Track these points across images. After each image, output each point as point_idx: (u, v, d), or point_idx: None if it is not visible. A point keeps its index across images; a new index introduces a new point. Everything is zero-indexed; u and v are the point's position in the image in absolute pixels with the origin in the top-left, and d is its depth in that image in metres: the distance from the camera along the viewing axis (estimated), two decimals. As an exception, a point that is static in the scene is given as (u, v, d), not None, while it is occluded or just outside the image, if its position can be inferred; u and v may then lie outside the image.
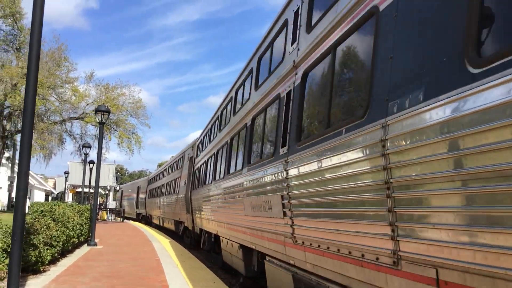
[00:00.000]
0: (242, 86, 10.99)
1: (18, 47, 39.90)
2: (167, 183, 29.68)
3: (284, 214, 6.63)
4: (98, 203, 67.79)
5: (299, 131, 6.31)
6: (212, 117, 16.81)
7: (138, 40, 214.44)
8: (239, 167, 10.14)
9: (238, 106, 11.34)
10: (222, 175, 12.44)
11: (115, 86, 40.89)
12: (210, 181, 14.56)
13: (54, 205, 15.51)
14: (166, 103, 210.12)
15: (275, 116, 7.54)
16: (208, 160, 15.99)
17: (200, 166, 18.04)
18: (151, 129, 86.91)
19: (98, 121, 18.66)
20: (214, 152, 14.54)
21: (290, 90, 6.83)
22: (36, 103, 26.75)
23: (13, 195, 49.35)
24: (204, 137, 18.79)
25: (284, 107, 6.99)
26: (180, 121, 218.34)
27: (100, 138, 18.21)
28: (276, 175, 7.03)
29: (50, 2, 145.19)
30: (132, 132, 41.49)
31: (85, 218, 17.73)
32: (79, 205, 19.24)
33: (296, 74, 6.63)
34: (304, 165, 5.81)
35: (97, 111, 18.55)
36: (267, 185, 7.46)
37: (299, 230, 6.14)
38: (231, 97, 12.61)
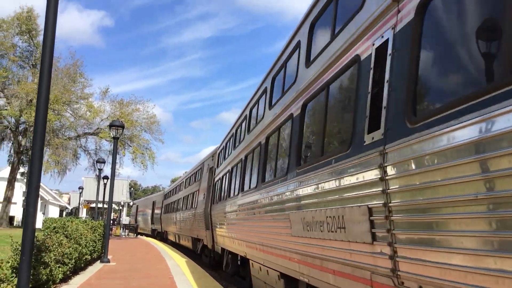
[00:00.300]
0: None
1: (34, 63, 40.31)
2: (184, 197, 27.80)
3: (375, 237, 4.31)
4: (111, 218, 67.49)
5: None
6: (240, 116, 13.75)
7: (153, 57, 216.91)
8: (281, 172, 7.71)
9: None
10: (254, 185, 10.01)
11: (130, 102, 41.06)
12: (236, 193, 12.35)
13: (67, 221, 15.30)
14: (180, 119, 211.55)
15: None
16: (233, 168, 13.56)
17: (223, 176, 15.76)
18: (165, 145, 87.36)
19: (112, 136, 18.50)
20: (242, 158, 12.07)
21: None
22: (51, 118, 26.83)
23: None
24: (227, 143, 16.23)
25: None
26: (193, 137, 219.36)
27: (114, 153, 18.04)
28: (361, 175, 4.56)
29: (66, 20, 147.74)
30: (146, 147, 41.53)
31: (98, 234, 17.49)
32: (92, 221, 19.03)
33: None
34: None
35: (111, 126, 18.40)
36: (339, 193, 5.07)
37: (409, 265, 3.78)
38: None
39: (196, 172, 24.67)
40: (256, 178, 9.67)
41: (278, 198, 7.53)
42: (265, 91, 9.83)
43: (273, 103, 8.80)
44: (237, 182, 12.28)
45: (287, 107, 7.47)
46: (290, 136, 7.21)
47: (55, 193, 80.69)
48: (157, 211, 43.44)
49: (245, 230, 10.73)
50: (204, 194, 20.13)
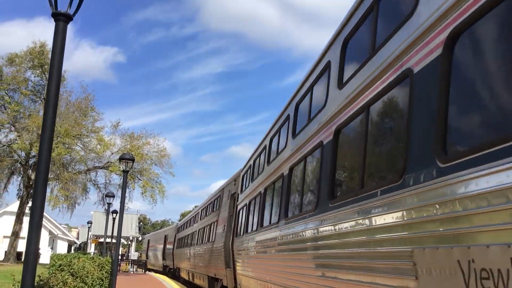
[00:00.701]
0: None
1: (45, 97, 40.25)
2: (199, 230, 24.86)
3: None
4: (120, 253, 66.11)
5: None
6: (276, 123, 10.78)
7: (164, 92, 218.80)
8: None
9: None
10: (306, 209, 7.11)
11: (140, 135, 40.78)
12: (273, 222, 9.28)
13: (74, 257, 14.57)
14: (190, 153, 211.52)
15: None
16: (266, 190, 10.56)
17: (250, 202, 12.65)
18: (174, 179, 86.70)
19: (122, 169, 17.93)
20: (283, 173, 8.90)
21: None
22: (61, 152, 26.22)
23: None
24: (256, 161, 12.94)
25: None
26: (202, 171, 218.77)
27: (124, 186, 17.44)
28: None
29: (79, 56, 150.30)
30: (156, 181, 40.95)
31: (106, 272, 16.71)
32: (100, 257, 18.27)
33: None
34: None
35: (121, 159, 17.87)
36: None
37: None
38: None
39: (214, 200, 21.85)
40: (308, 200, 7.24)
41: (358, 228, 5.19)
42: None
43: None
44: (274, 208, 9.50)
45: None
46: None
47: (64, 227, 79.95)
48: (169, 245, 40.22)
49: (292, 273, 7.63)
50: (224, 225, 17.63)
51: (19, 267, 22.95)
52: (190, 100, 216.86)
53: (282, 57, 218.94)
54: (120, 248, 77.10)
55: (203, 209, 25.42)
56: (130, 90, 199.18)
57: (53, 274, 11.02)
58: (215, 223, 19.83)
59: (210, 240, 20.31)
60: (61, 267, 12.46)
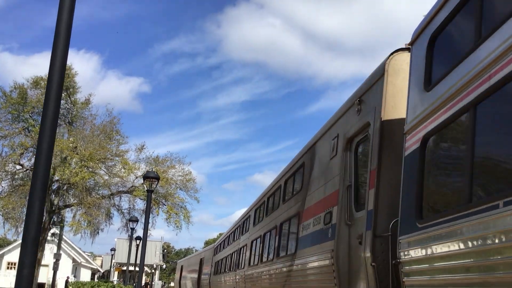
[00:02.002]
0: None
1: (70, 120, 39.71)
2: (254, 241, 15.80)
3: None
4: (144, 283, 64.31)
5: None
6: None
7: (189, 121, 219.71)
8: None
9: None
10: None
11: (165, 159, 39.63)
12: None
13: (93, 285, 13.13)
14: (213, 181, 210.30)
15: None
16: None
17: None
18: (198, 206, 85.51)
19: (146, 189, 16.62)
20: None
21: None
22: (85, 176, 25.09)
23: (59, 273, 47.66)
24: None
25: None
26: (226, 198, 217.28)
27: (148, 206, 16.10)
28: None
29: (106, 87, 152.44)
30: (181, 206, 39.54)
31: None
32: (122, 286, 16.78)
33: None
34: None
35: (145, 177, 16.58)
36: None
37: None
38: None
39: (294, 173, 11.84)
40: None
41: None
42: None
43: None
44: None
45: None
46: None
47: (88, 255, 78.97)
48: (205, 270, 30.72)
49: None
50: (327, 213, 8.30)
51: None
52: (214, 129, 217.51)
53: (304, 85, 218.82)
54: (144, 277, 75.63)
55: (261, 205, 16.02)
56: (156, 119, 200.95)
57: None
58: (297, 217, 10.46)
59: (284, 253, 11.27)
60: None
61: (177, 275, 45.08)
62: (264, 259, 13.21)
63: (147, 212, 16.15)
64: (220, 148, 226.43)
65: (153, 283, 59.84)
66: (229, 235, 23.61)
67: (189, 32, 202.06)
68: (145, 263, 68.46)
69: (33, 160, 37.67)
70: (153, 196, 40.05)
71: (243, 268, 16.56)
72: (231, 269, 19.67)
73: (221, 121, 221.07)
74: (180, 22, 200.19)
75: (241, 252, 17.89)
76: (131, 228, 28.44)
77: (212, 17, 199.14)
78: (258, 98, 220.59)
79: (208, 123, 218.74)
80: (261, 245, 14.01)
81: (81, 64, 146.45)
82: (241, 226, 19.66)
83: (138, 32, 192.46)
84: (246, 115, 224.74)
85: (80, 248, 73.40)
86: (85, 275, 70.80)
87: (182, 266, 43.61)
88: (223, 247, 25.13)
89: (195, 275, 34.21)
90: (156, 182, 16.82)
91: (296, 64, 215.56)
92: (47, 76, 6.05)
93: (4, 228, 35.18)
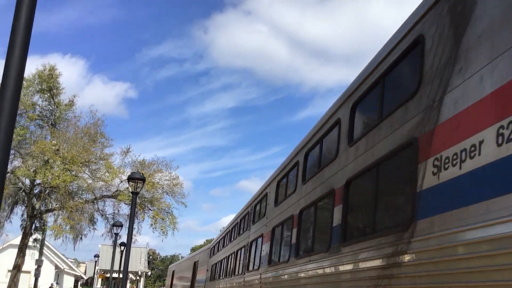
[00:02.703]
0: None
1: (53, 122, 38.50)
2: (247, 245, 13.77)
3: None
4: (128, 290, 62.44)
5: None
6: None
7: (176, 127, 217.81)
8: None
9: None
10: None
11: (152, 163, 38.59)
12: None
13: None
14: (200, 187, 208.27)
15: None
16: None
17: None
18: (184, 213, 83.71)
19: (131, 190, 15.70)
20: None
21: None
22: (66, 179, 23.93)
23: (40, 280, 46.14)
24: None
25: None
26: (212, 204, 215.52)
27: (132, 210, 15.17)
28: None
29: (91, 91, 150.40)
30: (167, 211, 38.49)
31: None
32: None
33: None
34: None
35: (130, 178, 15.64)
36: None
37: None
38: None
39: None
40: None
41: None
42: None
43: None
44: None
45: None
46: None
47: (71, 261, 77.22)
48: (200, 276, 25.71)
49: None
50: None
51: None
52: (201, 135, 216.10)
53: (291, 92, 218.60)
54: (128, 284, 74.12)
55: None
56: (142, 125, 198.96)
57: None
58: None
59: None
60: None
61: (168, 282, 39.89)
62: (305, 253, 8.78)
63: (132, 215, 15.23)
64: (207, 154, 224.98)
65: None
66: (233, 227, 17.96)
67: (177, 37, 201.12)
68: (129, 269, 67.03)
69: (14, 163, 36.37)
70: (138, 200, 38.97)
71: (257, 269, 12.14)
72: (236, 272, 15.13)
73: (208, 127, 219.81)
74: (168, 27, 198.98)
75: (254, 247, 13.03)
76: (115, 234, 27.35)
77: (199, 23, 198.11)
78: (245, 105, 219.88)
79: (196, 129, 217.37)
80: (296, 230, 9.41)
81: (66, 68, 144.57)
82: (252, 211, 14.01)
83: (125, 37, 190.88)
84: (233, 121, 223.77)
85: (63, 255, 71.66)
86: (68, 282, 69.07)
87: (173, 272, 38.21)
88: (223, 245, 19.84)
89: (188, 283, 29.46)
90: (142, 183, 15.90)
91: (283, 71, 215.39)
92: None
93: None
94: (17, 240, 51.18)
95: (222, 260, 19.11)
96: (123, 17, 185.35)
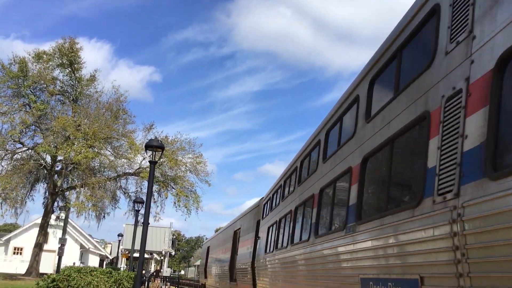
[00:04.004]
0: None
1: (75, 98, 37.46)
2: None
3: None
4: (152, 270, 62.19)
5: None
6: None
7: (201, 111, 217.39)
8: None
9: None
10: None
11: (175, 140, 37.24)
12: None
13: (77, 271, 10.80)
14: (223, 171, 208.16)
15: None
16: None
17: None
18: (208, 196, 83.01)
19: (149, 159, 14.25)
20: None
21: None
22: (88, 155, 22.66)
23: (65, 259, 45.80)
24: None
25: None
26: (235, 188, 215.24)
27: (150, 180, 13.71)
28: None
29: (116, 76, 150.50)
30: (190, 190, 37.23)
31: (125, 291, 12.88)
32: (119, 272, 14.46)
33: None
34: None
35: (148, 146, 14.15)
36: None
37: None
38: None
39: None
40: None
41: None
42: None
43: None
44: None
45: None
46: None
47: (97, 241, 77.36)
48: (243, 250, 18.99)
49: None
50: None
51: (28, 283, 19.35)
52: (226, 119, 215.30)
53: (316, 76, 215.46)
54: (153, 265, 73.74)
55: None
56: (166, 109, 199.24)
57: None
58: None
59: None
60: (55, 283, 8.65)
61: (202, 261, 34.31)
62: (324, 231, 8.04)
63: (150, 186, 13.81)
64: (232, 138, 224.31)
65: (161, 270, 57.76)
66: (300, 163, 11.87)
67: (202, 21, 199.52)
68: (153, 249, 66.42)
69: (36, 139, 35.53)
70: (161, 178, 37.91)
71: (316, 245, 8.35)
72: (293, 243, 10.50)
73: (233, 111, 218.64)
74: (193, 11, 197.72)
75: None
76: (136, 211, 26.13)
77: (221, 6, 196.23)
78: (270, 88, 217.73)
79: (220, 113, 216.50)
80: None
81: (92, 53, 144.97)
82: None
83: (150, 21, 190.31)
84: (258, 105, 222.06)
85: (90, 235, 71.74)
86: (93, 262, 69.12)
87: (208, 248, 31.22)
88: (283, 197, 13.58)
89: (226, 260, 22.44)
90: (161, 152, 14.43)
91: (307, 54, 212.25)
92: None
93: (1, 209, 33.10)
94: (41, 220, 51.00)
95: (286, 215, 12.26)
96: (149, 1, 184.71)
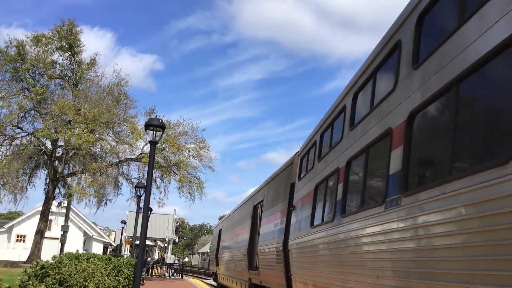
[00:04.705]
0: None
1: (75, 82, 36.54)
2: None
3: None
4: (156, 257, 61.77)
5: None
6: None
7: (204, 99, 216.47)
8: None
9: None
10: None
11: (177, 124, 36.36)
12: None
13: (72, 258, 10.00)
14: (227, 159, 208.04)
15: None
16: None
17: None
18: (211, 184, 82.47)
19: (149, 139, 13.41)
20: None
21: None
22: (89, 139, 21.72)
23: (68, 247, 45.31)
24: None
25: None
26: (238, 177, 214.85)
27: (151, 162, 12.87)
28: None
29: (119, 65, 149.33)
30: (194, 176, 36.42)
31: (124, 278, 12.10)
32: (119, 259, 13.68)
33: None
34: None
35: (147, 126, 13.30)
36: None
37: None
38: None
39: None
40: None
41: None
42: None
43: None
44: None
45: None
46: None
47: (101, 229, 77.01)
48: (266, 229, 14.88)
49: None
50: None
51: (21, 270, 18.66)
52: (229, 107, 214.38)
53: (318, 63, 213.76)
54: (157, 252, 73.35)
55: None
56: (169, 97, 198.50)
57: (28, 284, 6.43)
58: None
59: None
60: (44, 270, 7.84)
61: (213, 247, 30.41)
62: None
63: (150, 167, 12.97)
64: (235, 126, 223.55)
65: (165, 257, 57.25)
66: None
67: (205, 8, 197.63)
68: (157, 236, 65.93)
69: (34, 124, 34.72)
70: (164, 164, 37.12)
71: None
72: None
73: (236, 99, 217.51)
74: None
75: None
76: (137, 196, 25.38)
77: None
78: (274, 76, 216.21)
79: (223, 101, 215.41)
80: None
81: (94, 41, 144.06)
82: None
83: (153, 8, 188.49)
84: (261, 93, 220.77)
85: (94, 223, 71.35)
86: (97, 249, 68.76)
87: (220, 232, 27.06)
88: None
89: (243, 239, 18.15)
90: (161, 132, 13.57)
91: (309, 42, 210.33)
92: None
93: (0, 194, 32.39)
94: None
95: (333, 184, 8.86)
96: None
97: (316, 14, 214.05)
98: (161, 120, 13.68)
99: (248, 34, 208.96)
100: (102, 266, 10.53)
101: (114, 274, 11.05)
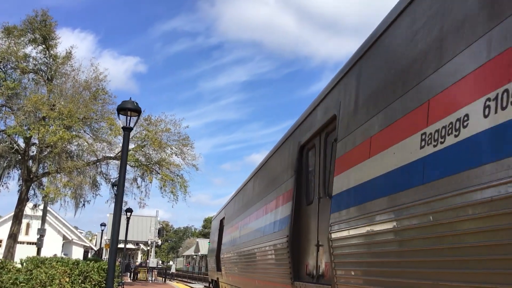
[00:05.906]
0: None
1: (50, 77, 34.44)
2: None
3: None
4: (138, 261, 59.65)
5: None
6: None
7: (189, 101, 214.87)
8: None
9: None
10: None
11: (159, 120, 34.53)
12: None
13: (42, 262, 8.27)
14: (211, 162, 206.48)
15: None
16: None
17: None
18: (195, 187, 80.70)
19: (121, 125, 11.72)
20: None
21: None
22: (64, 136, 19.45)
23: (46, 251, 43.16)
24: None
25: None
26: (223, 179, 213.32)
27: (125, 148, 11.19)
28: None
29: (101, 66, 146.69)
30: (177, 174, 34.65)
31: (94, 285, 10.36)
32: (87, 262, 11.91)
33: None
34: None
35: (120, 110, 11.61)
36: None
37: None
38: None
39: None
40: None
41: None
42: None
43: None
44: None
45: None
46: None
47: (81, 232, 74.66)
48: (286, 209, 8.32)
49: None
50: None
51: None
52: (214, 109, 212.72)
53: (302, 65, 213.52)
54: (140, 255, 71.13)
55: None
56: (153, 100, 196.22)
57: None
58: None
59: None
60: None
61: (212, 245, 22.64)
62: None
63: (123, 157, 11.33)
64: (220, 128, 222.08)
65: (148, 261, 55.18)
66: None
67: (189, 11, 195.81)
68: (139, 239, 63.83)
69: (7, 121, 32.61)
70: (145, 162, 35.34)
71: None
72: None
73: (221, 101, 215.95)
74: (181, 0, 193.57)
75: None
76: (115, 195, 23.62)
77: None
78: (259, 78, 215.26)
79: (208, 103, 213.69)
80: None
81: (75, 43, 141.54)
82: None
83: (137, 11, 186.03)
84: (246, 95, 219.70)
85: (76, 227, 69.11)
86: (77, 253, 66.45)
87: (222, 222, 19.44)
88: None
89: (286, 211, 8.83)
90: (136, 116, 11.91)
91: (292, 44, 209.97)
92: None
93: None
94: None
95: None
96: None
97: (297, 16, 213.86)
98: (136, 103, 11.97)
99: (232, 36, 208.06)
100: (65, 271, 8.83)
101: (80, 281, 9.35)
